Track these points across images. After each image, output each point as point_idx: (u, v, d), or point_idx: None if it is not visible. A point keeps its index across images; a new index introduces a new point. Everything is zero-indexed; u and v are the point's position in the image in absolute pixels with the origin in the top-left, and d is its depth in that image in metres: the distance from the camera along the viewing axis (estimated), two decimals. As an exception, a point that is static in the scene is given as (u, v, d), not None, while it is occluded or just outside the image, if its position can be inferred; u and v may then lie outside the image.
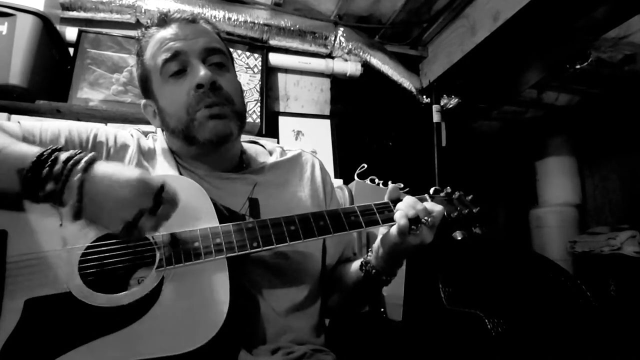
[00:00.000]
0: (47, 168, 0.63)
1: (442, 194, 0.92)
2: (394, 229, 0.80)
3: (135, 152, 0.89)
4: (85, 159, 0.65)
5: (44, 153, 0.64)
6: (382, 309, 1.68)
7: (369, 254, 0.89)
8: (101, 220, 0.64)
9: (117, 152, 0.88)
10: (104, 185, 0.63)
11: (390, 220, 0.82)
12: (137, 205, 0.63)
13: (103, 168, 0.65)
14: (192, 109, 0.85)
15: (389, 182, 0.87)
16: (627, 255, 2.82)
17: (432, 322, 2.17)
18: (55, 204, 0.63)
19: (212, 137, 0.85)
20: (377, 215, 0.83)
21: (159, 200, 0.64)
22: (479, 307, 2.07)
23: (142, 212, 0.63)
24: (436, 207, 0.82)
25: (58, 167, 0.63)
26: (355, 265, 0.92)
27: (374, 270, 0.87)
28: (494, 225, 3.80)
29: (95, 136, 0.88)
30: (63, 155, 0.64)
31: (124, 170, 0.66)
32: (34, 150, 0.65)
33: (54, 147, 0.66)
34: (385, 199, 0.85)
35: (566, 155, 3.58)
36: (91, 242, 0.70)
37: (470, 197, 0.94)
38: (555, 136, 3.61)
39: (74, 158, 0.64)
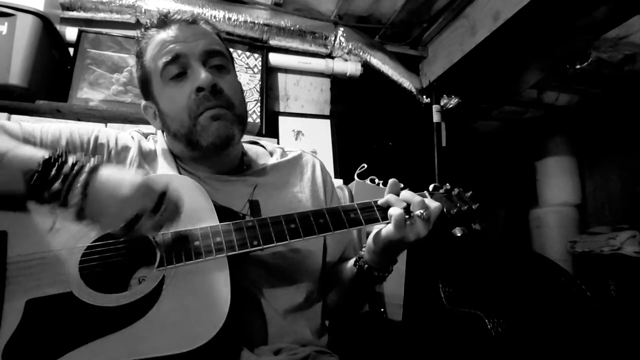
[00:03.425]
0: (55, 170, 0.64)
1: (441, 191, 0.92)
2: (390, 225, 0.79)
3: (136, 155, 0.89)
4: (91, 163, 0.66)
5: (52, 155, 0.65)
6: (382, 309, 1.68)
7: (363, 249, 0.89)
8: (102, 219, 0.65)
9: (118, 154, 0.89)
10: (107, 185, 0.64)
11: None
12: (138, 204, 0.63)
13: (108, 171, 0.66)
14: (193, 113, 0.85)
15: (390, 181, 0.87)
16: (627, 255, 2.82)
17: (432, 322, 2.17)
18: (59, 204, 0.64)
19: (216, 140, 0.85)
20: (377, 212, 0.83)
21: (161, 202, 0.65)
22: (479, 307, 2.07)
23: (143, 212, 0.63)
24: (433, 204, 0.81)
25: (65, 168, 0.64)
26: (351, 261, 0.92)
27: (366, 265, 0.87)
28: (494, 225, 3.80)
29: (96, 138, 0.88)
30: (71, 159, 0.66)
31: (128, 173, 0.67)
32: (40, 153, 0.66)
33: (61, 151, 0.67)
34: (386, 194, 0.85)
35: (566, 155, 3.57)
36: (92, 242, 0.70)
37: (469, 194, 0.94)
38: (555, 136, 3.60)
39: (81, 160, 0.66)
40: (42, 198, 0.64)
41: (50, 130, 0.84)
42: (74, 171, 0.64)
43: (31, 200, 0.66)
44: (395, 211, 0.78)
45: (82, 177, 0.64)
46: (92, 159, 0.67)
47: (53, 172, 0.64)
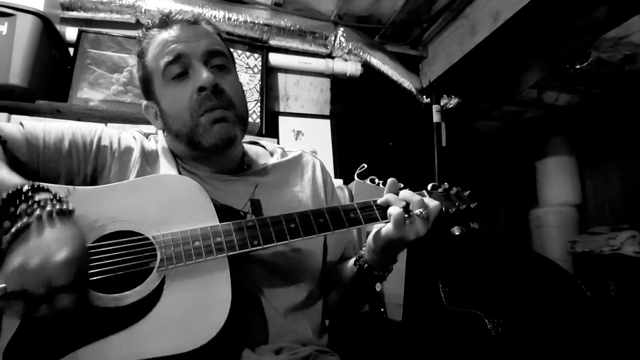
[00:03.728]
0: (13, 208, 0.60)
1: (440, 190, 0.93)
2: (389, 224, 0.79)
3: (139, 156, 0.90)
4: (58, 207, 0.62)
5: (11, 194, 0.62)
6: (382, 309, 1.68)
7: (363, 248, 0.89)
8: (6, 272, 0.58)
9: (121, 156, 0.89)
10: (37, 241, 0.59)
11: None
12: (30, 283, 0.57)
13: (57, 227, 0.61)
14: (195, 113, 0.85)
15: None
16: (627, 255, 2.82)
17: (432, 322, 2.17)
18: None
19: (218, 141, 0.85)
20: (376, 211, 0.83)
21: (55, 293, 0.58)
22: (479, 307, 2.08)
23: (26, 293, 0.57)
24: (432, 202, 0.82)
25: (22, 207, 0.60)
26: (351, 261, 0.92)
27: (366, 265, 0.87)
28: (494, 225, 3.80)
29: (99, 139, 0.88)
30: (38, 197, 0.62)
31: (65, 243, 0.60)
32: (12, 182, 0.63)
33: (34, 186, 0.63)
34: (385, 193, 0.85)
35: (566, 155, 3.58)
36: (92, 243, 0.69)
37: (467, 193, 0.94)
38: (555, 136, 3.61)
39: (36, 206, 0.61)
40: None
41: (54, 131, 0.84)
42: (29, 209, 0.60)
43: None
44: (394, 210, 0.78)
45: (25, 219, 0.59)
46: (63, 205, 0.62)
47: (10, 210, 0.60)
